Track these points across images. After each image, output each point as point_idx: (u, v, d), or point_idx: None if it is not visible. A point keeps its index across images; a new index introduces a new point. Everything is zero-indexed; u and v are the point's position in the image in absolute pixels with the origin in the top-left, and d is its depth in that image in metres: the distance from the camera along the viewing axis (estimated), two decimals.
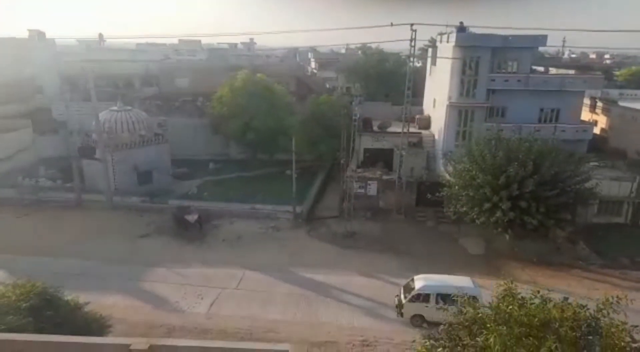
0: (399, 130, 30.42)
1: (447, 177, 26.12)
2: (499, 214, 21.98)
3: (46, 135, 39.02)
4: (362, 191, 30.48)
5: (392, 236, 26.88)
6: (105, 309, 15.00)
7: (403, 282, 21.71)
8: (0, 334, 7.90)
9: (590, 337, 10.63)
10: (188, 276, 22.11)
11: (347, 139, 29.80)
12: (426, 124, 35.55)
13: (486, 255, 24.82)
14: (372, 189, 30.77)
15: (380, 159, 32.52)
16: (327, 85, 54.71)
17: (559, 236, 25.06)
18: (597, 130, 36.89)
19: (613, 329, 10.42)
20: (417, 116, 35.99)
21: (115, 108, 33.53)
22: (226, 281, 21.71)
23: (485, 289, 12.47)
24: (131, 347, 7.10)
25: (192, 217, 27.02)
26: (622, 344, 10.18)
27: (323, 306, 19.93)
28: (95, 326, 13.34)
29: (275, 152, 37.19)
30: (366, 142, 33.32)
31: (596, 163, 28.24)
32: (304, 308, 19.75)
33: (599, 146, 33.80)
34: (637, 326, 10.41)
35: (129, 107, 34.68)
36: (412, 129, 31.94)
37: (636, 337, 10.39)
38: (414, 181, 29.92)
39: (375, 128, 34.33)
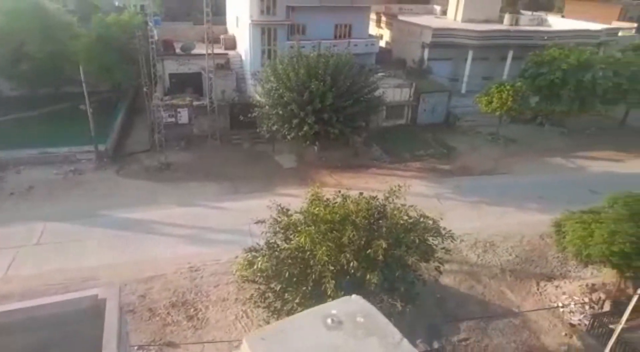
0: (204, 52, 28.98)
1: (257, 97, 26.45)
2: (306, 128, 23.49)
3: None
4: (173, 119, 28.89)
5: (209, 163, 26.65)
6: None
7: (225, 205, 22.25)
8: None
9: (380, 221, 12.74)
10: None
11: (148, 65, 27.20)
12: (232, 44, 34.56)
13: (298, 168, 26.75)
14: (184, 116, 29.37)
15: (189, 84, 30.81)
16: (116, 3, 47.80)
17: (357, 142, 28.33)
18: (383, 43, 41.23)
19: (395, 212, 12.58)
20: (222, 36, 34.62)
21: None
22: (22, 238, 18.95)
23: (301, 198, 13.59)
24: None
25: None
26: (401, 221, 12.43)
27: (145, 242, 19.19)
28: None
29: (62, 85, 31.94)
30: (170, 66, 31.02)
31: (383, 73, 31.92)
32: (123, 249, 18.72)
33: (385, 58, 38.06)
34: (411, 206, 12.79)
35: None
36: (218, 50, 30.71)
37: (411, 214, 12.79)
38: (226, 104, 29.52)
39: (178, 50, 32.00)
